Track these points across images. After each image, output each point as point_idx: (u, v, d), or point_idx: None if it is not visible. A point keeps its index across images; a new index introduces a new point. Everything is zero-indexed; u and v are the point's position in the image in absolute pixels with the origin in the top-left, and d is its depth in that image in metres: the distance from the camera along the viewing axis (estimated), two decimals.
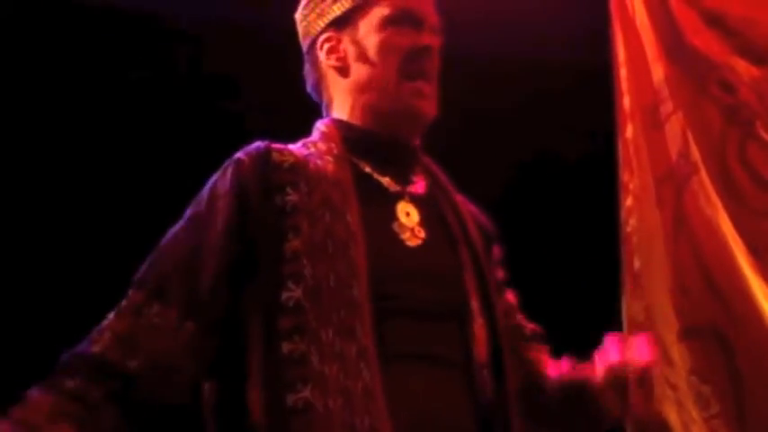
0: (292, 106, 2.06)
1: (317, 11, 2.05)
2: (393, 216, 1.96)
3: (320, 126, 2.04)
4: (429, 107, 2.01)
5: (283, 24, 2.14)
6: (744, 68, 2.75)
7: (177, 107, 3.49)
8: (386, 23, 2.00)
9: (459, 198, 2.10)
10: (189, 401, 1.85)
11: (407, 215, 1.98)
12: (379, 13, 2.01)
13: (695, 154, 2.75)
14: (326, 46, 2.03)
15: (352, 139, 1.99)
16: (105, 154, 3.44)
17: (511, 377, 1.96)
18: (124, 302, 1.81)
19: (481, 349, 1.94)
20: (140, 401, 1.76)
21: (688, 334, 2.70)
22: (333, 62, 2.02)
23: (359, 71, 2.01)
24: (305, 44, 2.08)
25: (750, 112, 2.73)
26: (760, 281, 2.64)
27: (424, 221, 1.98)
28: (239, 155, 1.92)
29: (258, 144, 1.93)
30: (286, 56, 2.17)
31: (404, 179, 2.02)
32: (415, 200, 2.01)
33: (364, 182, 1.96)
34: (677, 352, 2.70)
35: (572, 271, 3.43)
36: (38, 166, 3.38)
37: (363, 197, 1.92)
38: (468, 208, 2.10)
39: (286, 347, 1.77)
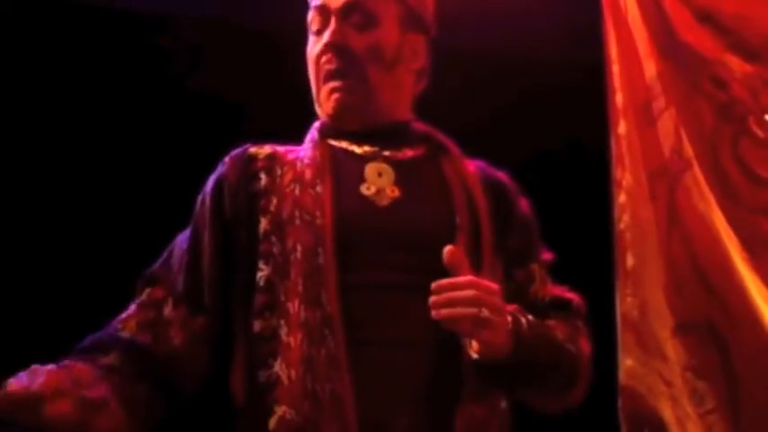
0: (293, 109, 2.07)
1: None
2: (361, 177, 1.96)
3: (314, 125, 2.09)
4: (346, 99, 2.00)
5: (284, 27, 2.15)
6: (736, 65, 2.75)
7: (177, 109, 3.49)
8: (310, 33, 2.05)
9: (472, 164, 2.07)
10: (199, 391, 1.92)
11: (379, 175, 1.97)
12: (310, 21, 2.06)
13: (688, 150, 2.76)
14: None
15: (328, 131, 2.05)
16: (105, 155, 3.44)
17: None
18: (145, 297, 1.90)
19: None
20: (167, 385, 1.83)
21: (682, 330, 2.70)
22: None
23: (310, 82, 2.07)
24: None
25: (743, 109, 2.74)
26: (753, 276, 2.65)
27: (401, 181, 1.97)
28: (225, 157, 2.01)
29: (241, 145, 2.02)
30: (288, 59, 2.18)
31: (386, 148, 2.02)
32: (393, 161, 2.00)
33: (339, 155, 2.00)
34: (671, 348, 2.70)
35: (565, 267, 3.43)
36: (37, 167, 3.37)
37: (337, 170, 1.95)
38: (487, 173, 2.07)
39: (258, 325, 1.83)
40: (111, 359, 1.80)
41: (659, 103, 2.81)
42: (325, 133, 2.04)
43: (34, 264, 3.29)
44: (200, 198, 1.99)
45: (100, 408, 1.73)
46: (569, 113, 3.50)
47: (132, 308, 1.89)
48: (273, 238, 1.87)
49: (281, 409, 1.77)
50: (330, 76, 1.99)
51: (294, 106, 2.10)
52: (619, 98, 2.84)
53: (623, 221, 2.79)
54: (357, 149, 2.01)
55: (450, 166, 2.03)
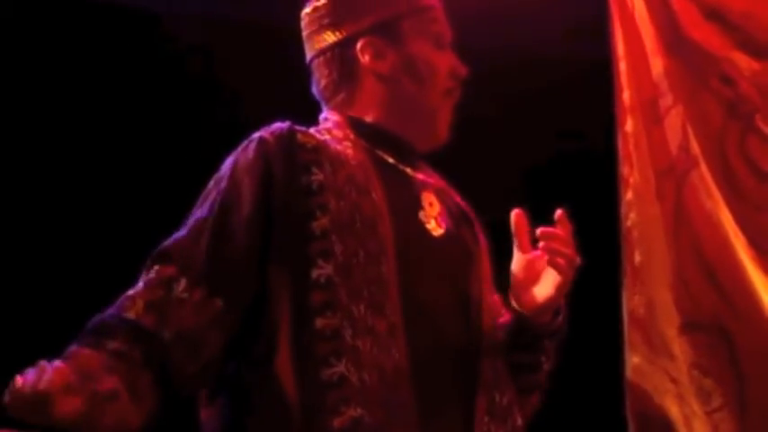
0: (294, 106, 2.06)
1: (351, 8, 2.05)
2: (419, 203, 1.99)
3: (330, 116, 2.05)
4: (447, 134, 2.08)
5: (288, 24, 2.14)
6: (744, 62, 2.74)
7: (181, 108, 3.49)
8: (434, 42, 2.05)
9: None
10: (212, 380, 1.85)
11: (430, 205, 2.01)
12: (427, 28, 2.05)
13: (695, 148, 2.75)
14: (371, 50, 2.03)
15: (367, 133, 2.01)
16: (108, 154, 3.45)
17: (487, 365, 1.97)
18: (153, 275, 1.81)
19: (496, 335, 1.99)
20: (171, 371, 1.76)
21: (689, 328, 2.69)
22: (378, 69, 2.03)
23: (407, 84, 2.03)
24: (328, 38, 2.06)
25: (750, 106, 2.73)
26: (761, 275, 2.64)
27: (445, 214, 2.02)
28: (262, 134, 1.92)
29: (279, 124, 1.94)
30: (290, 56, 2.16)
31: (420, 169, 2.07)
32: (435, 191, 2.04)
33: (385, 167, 1.99)
34: (678, 346, 2.70)
35: None
36: (38, 167, 3.38)
37: (386, 179, 1.95)
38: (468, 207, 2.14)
39: (319, 323, 1.79)
40: (117, 344, 1.73)
41: (666, 100, 2.80)
42: (362, 134, 2.01)
43: (40, 258, 3.30)
44: (230, 170, 1.90)
45: (110, 400, 1.68)
46: (576, 111, 3.50)
47: (140, 286, 1.81)
48: (334, 237, 1.83)
49: (354, 411, 1.75)
50: (455, 101, 2.07)
51: (294, 103, 2.08)
52: (626, 96, 2.83)
53: (630, 219, 2.79)
54: (406, 170, 2.02)
55: (452, 200, 2.09)
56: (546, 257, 1.96)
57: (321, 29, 2.06)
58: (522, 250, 2.00)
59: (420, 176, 2.04)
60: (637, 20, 2.85)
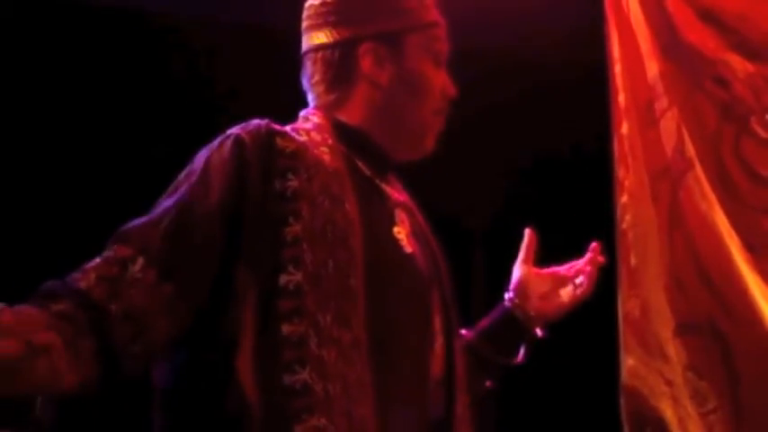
0: (287, 105, 2.05)
1: (360, 11, 2.02)
2: (393, 220, 1.98)
3: (312, 117, 2.02)
4: (433, 147, 2.08)
5: (281, 25, 2.14)
6: (738, 64, 2.75)
7: (174, 108, 3.50)
8: (434, 60, 2.04)
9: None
10: (151, 366, 1.82)
11: (402, 222, 2.00)
12: (429, 45, 2.04)
13: (690, 150, 2.75)
14: (373, 57, 2.01)
15: (348, 138, 1.99)
16: (101, 154, 3.45)
17: (461, 398, 1.99)
18: (110, 253, 1.77)
19: (438, 366, 1.97)
20: (114, 345, 1.71)
21: (684, 330, 2.70)
22: (376, 77, 2.01)
23: (400, 97, 2.02)
24: (331, 36, 2.02)
25: (745, 108, 2.74)
26: (756, 277, 2.64)
27: (414, 232, 2.02)
28: (238, 132, 1.89)
29: (258, 123, 1.90)
30: (284, 57, 2.16)
31: (393, 185, 2.05)
32: (404, 209, 2.04)
33: (361, 178, 1.97)
34: (673, 348, 2.70)
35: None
36: (32, 167, 3.38)
37: (361, 191, 1.93)
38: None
39: (286, 329, 1.77)
40: (62, 306, 1.68)
41: (661, 102, 2.81)
42: (342, 139, 1.98)
43: (31, 258, 3.31)
44: (202, 165, 1.86)
45: (43, 351, 1.62)
46: (572, 113, 3.51)
47: (96, 260, 1.77)
48: (305, 246, 1.81)
49: (317, 420, 1.74)
50: (443, 118, 2.07)
51: (287, 102, 2.07)
52: (621, 98, 2.83)
53: (626, 221, 2.79)
54: (382, 186, 2.01)
55: (416, 220, 2.07)
56: (560, 276, 2.33)
57: (325, 24, 2.02)
58: (527, 263, 2.31)
59: (393, 193, 2.03)
60: (632, 22, 2.85)
